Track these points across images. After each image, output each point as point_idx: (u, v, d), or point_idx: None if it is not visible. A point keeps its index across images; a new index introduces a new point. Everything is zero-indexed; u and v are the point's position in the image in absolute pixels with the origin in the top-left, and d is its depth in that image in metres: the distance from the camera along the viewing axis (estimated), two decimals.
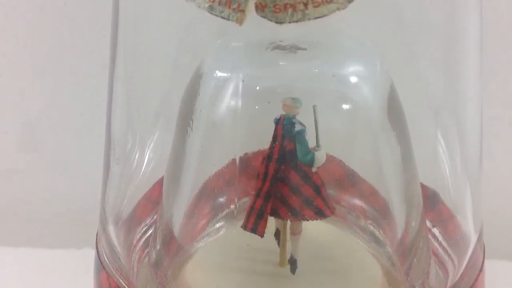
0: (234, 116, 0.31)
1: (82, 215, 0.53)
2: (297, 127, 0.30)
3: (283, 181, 0.30)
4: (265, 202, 0.30)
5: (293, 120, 0.30)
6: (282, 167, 0.30)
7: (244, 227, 0.30)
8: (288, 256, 0.32)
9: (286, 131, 0.30)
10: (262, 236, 0.30)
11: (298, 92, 0.30)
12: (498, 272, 0.47)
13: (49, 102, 0.52)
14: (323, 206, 0.30)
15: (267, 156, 0.30)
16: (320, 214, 0.31)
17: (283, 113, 0.30)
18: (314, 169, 0.30)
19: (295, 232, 0.31)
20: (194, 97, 0.31)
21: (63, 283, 0.48)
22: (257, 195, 0.30)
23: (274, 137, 0.30)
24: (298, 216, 0.30)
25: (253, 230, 0.30)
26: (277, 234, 0.32)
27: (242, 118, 0.31)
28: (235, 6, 0.25)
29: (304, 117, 0.30)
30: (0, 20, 0.51)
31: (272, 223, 0.31)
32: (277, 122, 0.30)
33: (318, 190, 0.30)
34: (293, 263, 0.32)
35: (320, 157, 0.30)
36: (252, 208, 0.30)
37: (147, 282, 0.33)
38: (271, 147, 0.30)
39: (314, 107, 0.29)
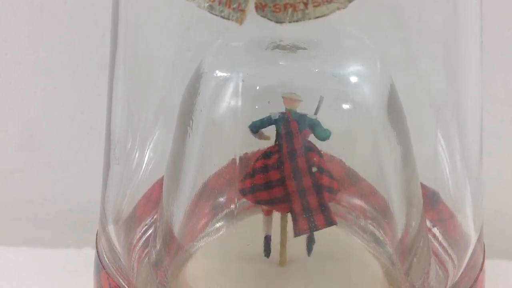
0: (234, 115, 0.31)
1: (82, 215, 0.53)
2: (311, 116, 0.30)
3: (312, 169, 0.30)
4: (319, 195, 0.30)
5: (301, 113, 0.30)
6: (309, 155, 0.30)
7: (314, 227, 0.30)
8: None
9: (301, 123, 0.30)
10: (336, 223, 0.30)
11: (298, 91, 0.30)
12: (499, 272, 0.47)
13: (49, 102, 0.52)
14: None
15: (289, 155, 0.30)
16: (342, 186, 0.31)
17: (282, 110, 0.30)
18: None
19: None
20: (194, 96, 0.31)
21: (63, 283, 0.48)
22: (301, 196, 0.30)
23: (288, 135, 0.30)
24: (337, 194, 0.31)
25: (329, 223, 0.30)
26: (267, 240, 0.32)
27: (242, 118, 0.31)
28: (235, 5, 0.25)
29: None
30: (0, 20, 0.51)
31: (260, 226, 0.31)
32: (284, 120, 0.30)
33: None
34: (311, 241, 0.31)
35: None
36: (307, 209, 0.30)
37: (147, 282, 0.33)
38: (289, 145, 0.30)
39: (321, 97, 0.30)
